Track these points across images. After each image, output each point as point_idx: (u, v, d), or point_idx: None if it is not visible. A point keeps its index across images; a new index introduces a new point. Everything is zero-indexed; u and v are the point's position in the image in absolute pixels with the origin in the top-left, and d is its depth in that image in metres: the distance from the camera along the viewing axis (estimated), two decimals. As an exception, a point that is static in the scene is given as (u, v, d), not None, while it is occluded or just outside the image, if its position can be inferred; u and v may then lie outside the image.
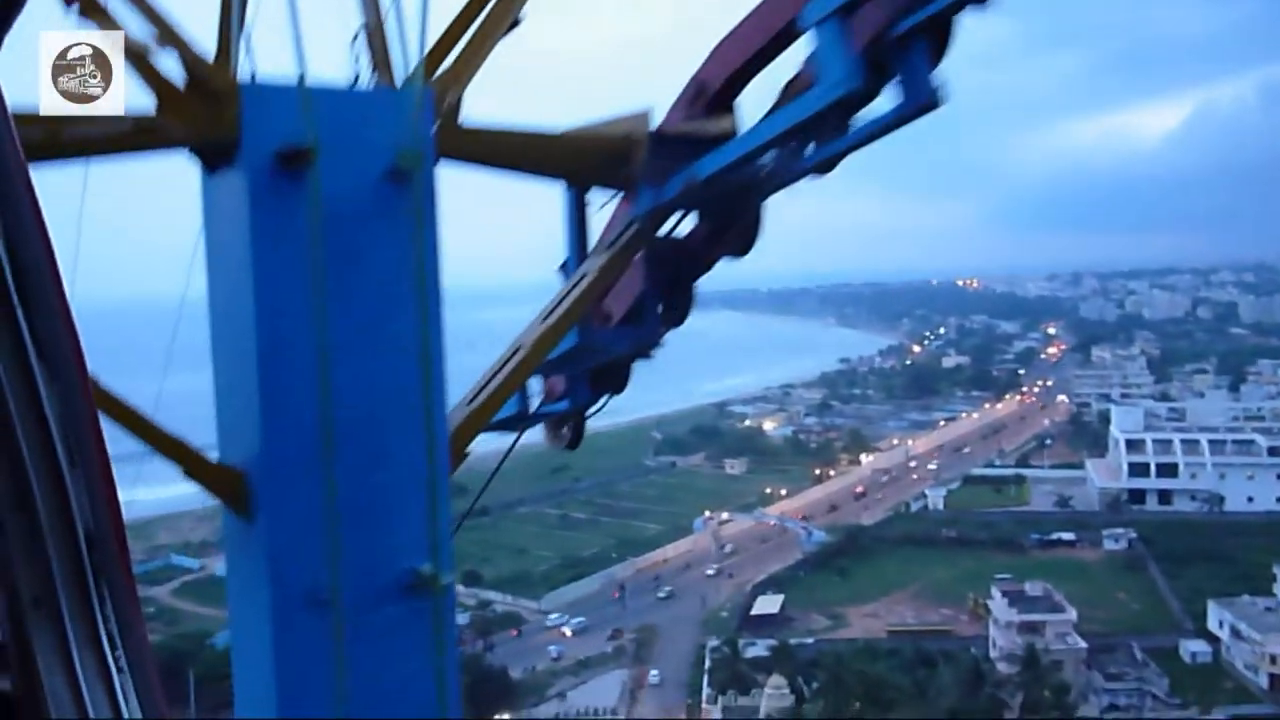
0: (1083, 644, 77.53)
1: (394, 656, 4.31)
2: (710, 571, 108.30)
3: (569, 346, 6.08)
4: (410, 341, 4.32)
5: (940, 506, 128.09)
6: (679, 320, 6.62)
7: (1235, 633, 79.98)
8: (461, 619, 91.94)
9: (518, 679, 79.56)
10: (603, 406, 7.34)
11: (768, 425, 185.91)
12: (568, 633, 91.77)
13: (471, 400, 5.64)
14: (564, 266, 6.56)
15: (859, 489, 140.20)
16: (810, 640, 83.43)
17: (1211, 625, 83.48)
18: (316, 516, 4.09)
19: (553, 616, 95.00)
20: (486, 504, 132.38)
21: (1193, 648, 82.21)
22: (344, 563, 4.06)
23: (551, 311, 5.78)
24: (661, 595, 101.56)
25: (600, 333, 6.53)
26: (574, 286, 5.80)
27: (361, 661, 4.13)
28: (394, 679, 4.31)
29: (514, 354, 5.67)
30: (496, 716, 72.69)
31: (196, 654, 76.81)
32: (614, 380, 7.19)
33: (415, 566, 4.31)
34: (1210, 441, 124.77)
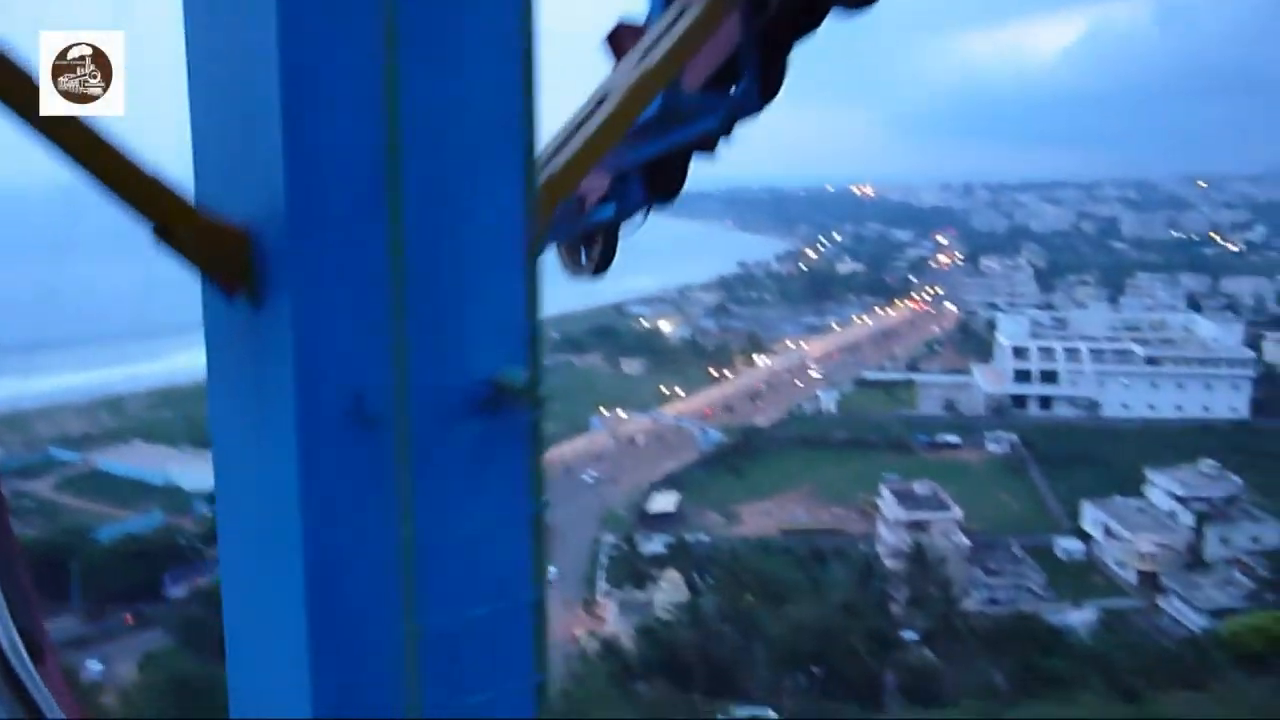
0: (966, 541, 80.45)
1: (470, 495, 2.94)
2: (607, 470, 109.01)
3: (647, 115, 4.30)
4: (504, 42, 2.83)
5: (833, 409, 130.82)
6: (772, 93, 4.83)
7: (1108, 531, 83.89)
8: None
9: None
10: (644, 220, 5.44)
11: (665, 326, 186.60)
12: None
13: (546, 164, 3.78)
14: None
15: (754, 389, 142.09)
16: (706, 537, 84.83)
17: (1086, 524, 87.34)
18: (364, 296, 2.73)
19: None
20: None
21: (1067, 545, 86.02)
22: (406, 364, 2.76)
23: (648, 52, 4.01)
24: (559, 491, 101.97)
25: (689, 96, 4.65)
26: (674, 22, 4.05)
27: (429, 498, 2.82)
28: (471, 526, 2.92)
29: (597, 105, 3.99)
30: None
31: (79, 549, 74.83)
32: (670, 179, 5.25)
33: (499, 372, 2.92)
34: (1090, 350, 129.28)
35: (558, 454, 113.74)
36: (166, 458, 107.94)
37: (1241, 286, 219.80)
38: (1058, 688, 55.04)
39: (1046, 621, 67.59)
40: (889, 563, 76.20)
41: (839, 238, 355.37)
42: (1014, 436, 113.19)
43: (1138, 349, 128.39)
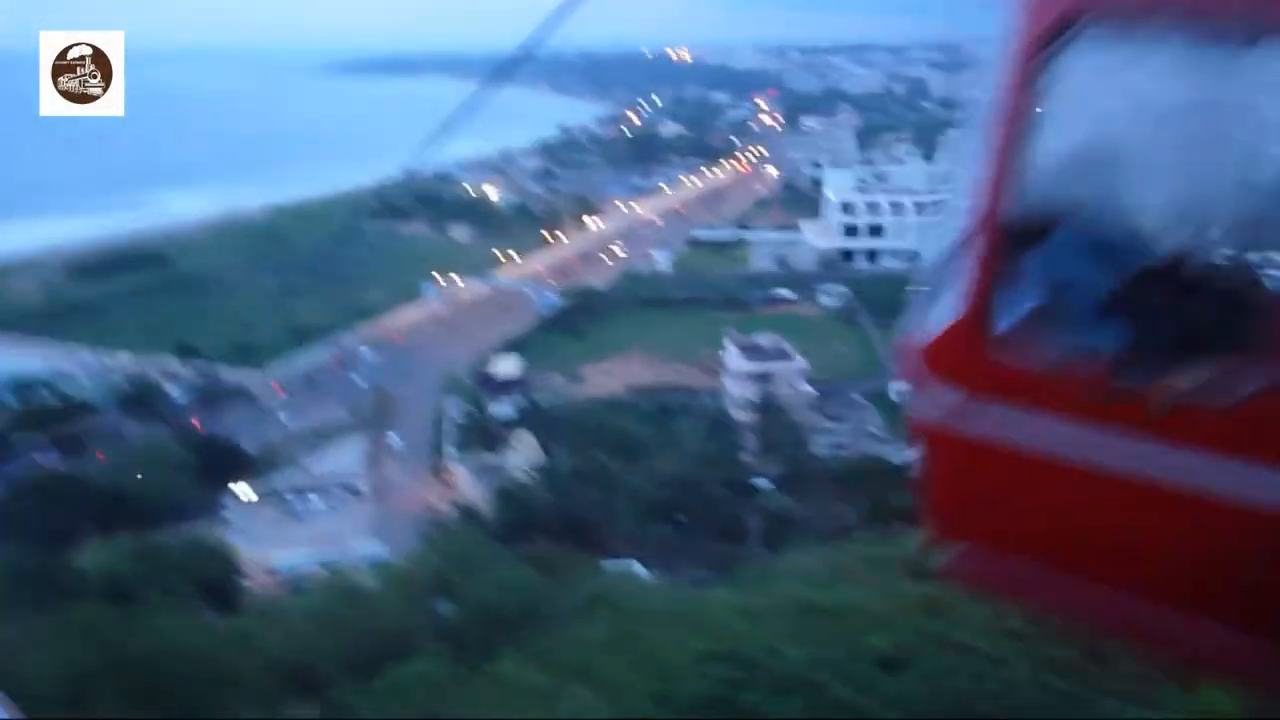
0: (810, 389, 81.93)
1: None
2: (444, 336, 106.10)
3: None
4: None
5: (667, 269, 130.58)
6: None
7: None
8: (181, 391, 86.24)
9: (251, 451, 75.64)
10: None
11: (490, 192, 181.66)
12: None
13: None
14: None
15: (587, 251, 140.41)
16: (554, 400, 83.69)
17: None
18: None
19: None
20: (197, 275, 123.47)
21: (901, 389, 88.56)
22: None
23: None
24: (396, 361, 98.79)
25: None
26: None
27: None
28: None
29: None
30: (233, 489, 69.15)
31: None
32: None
33: None
34: (914, 204, 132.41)
35: (391, 322, 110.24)
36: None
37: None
38: (909, 521, 56.76)
39: (891, 461, 69.62)
40: (737, 414, 76.90)
41: (659, 101, 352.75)
42: (845, 289, 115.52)
43: (957, 200, 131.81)
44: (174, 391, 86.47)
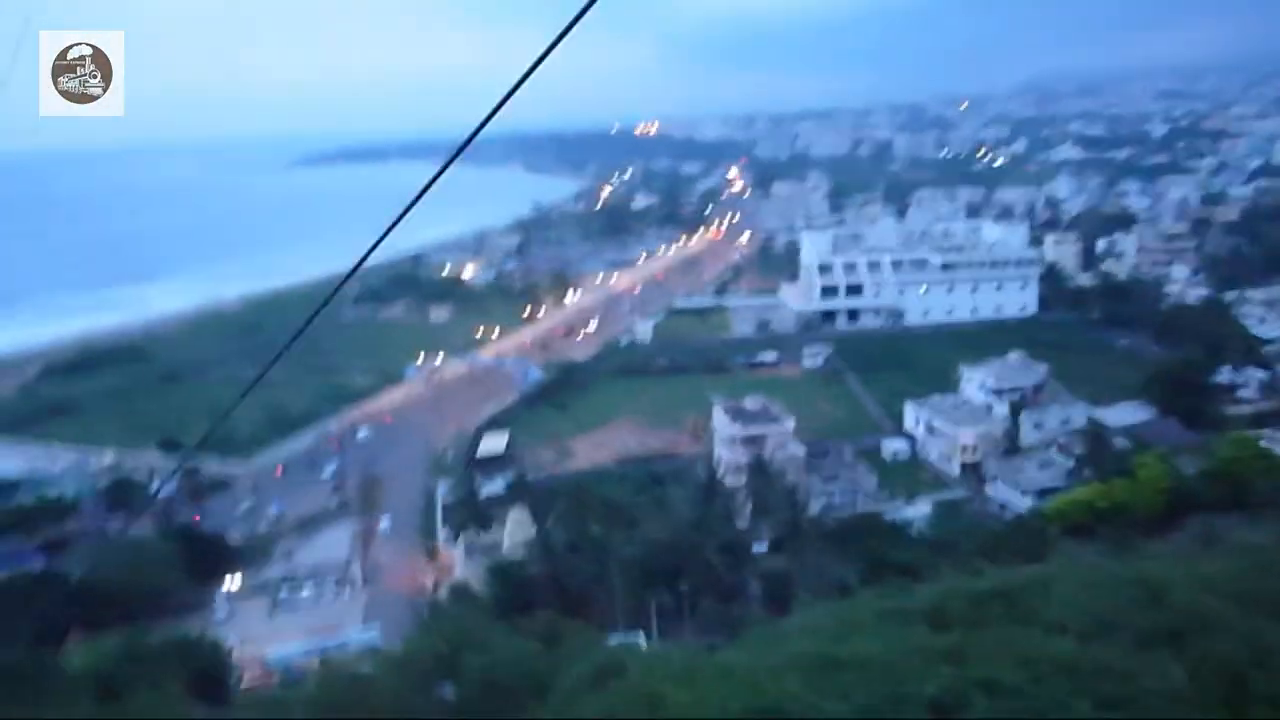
0: (801, 450, 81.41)
1: None
2: (429, 417, 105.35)
3: None
4: None
5: (648, 338, 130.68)
6: None
7: (929, 428, 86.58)
8: (167, 485, 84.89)
9: (238, 543, 74.36)
10: None
11: (468, 271, 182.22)
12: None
13: None
14: None
15: (567, 326, 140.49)
16: (543, 474, 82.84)
17: (908, 423, 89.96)
18: None
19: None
20: (175, 369, 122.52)
21: (893, 446, 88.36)
22: None
23: None
24: (382, 444, 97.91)
25: None
26: None
27: None
28: None
29: None
30: (222, 583, 67.78)
31: None
32: None
33: None
34: (890, 262, 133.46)
35: (374, 406, 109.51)
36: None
37: (1012, 195, 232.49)
38: (907, 577, 56.00)
39: (885, 518, 69.12)
40: (729, 479, 76.17)
41: (630, 175, 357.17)
42: (827, 349, 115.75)
43: (932, 258, 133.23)
44: (158, 486, 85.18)
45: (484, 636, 31.14)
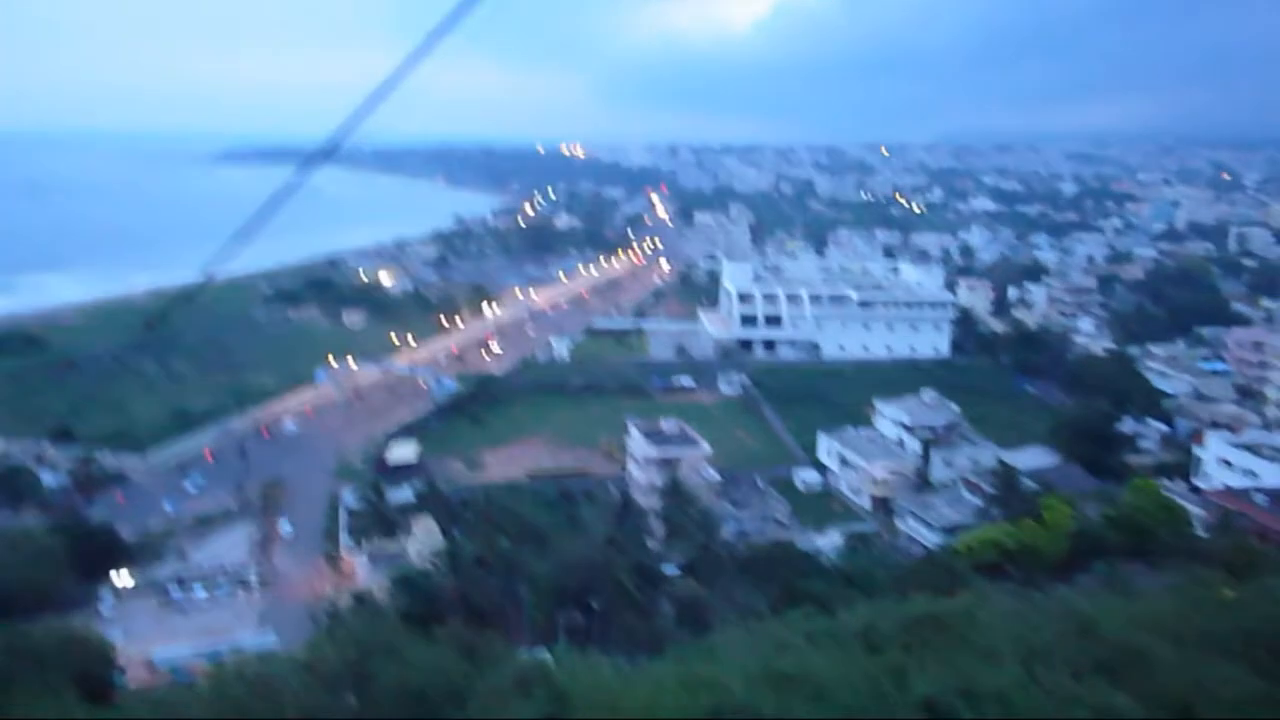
0: (716, 476, 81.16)
1: None
2: (337, 422, 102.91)
3: None
4: None
5: (566, 356, 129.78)
6: None
7: (843, 460, 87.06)
8: (55, 478, 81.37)
9: (130, 539, 71.22)
10: None
11: (385, 278, 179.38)
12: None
13: None
14: None
15: (485, 339, 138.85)
16: (453, 486, 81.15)
17: (821, 455, 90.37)
18: None
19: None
20: (73, 359, 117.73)
21: (805, 477, 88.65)
22: None
23: None
24: (287, 446, 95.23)
25: None
26: None
27: None
28: None
29: None
30: (112, 580, 64.75)
31: None
32: None
33: None
34: (810, 295, 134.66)
35: (281, 407, 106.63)
36: None
37: (928, 241, 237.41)
38: (818, 605, 55.82)
39: (798, 547, 68.99)
40: (642, 499, 75.54)
41: (554, 195, 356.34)
42: (744, 378, 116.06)
43: (852, 294, 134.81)
44: (47, 477, 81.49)
45: (394, 643, 29.81)
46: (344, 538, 72.19)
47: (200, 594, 65.54)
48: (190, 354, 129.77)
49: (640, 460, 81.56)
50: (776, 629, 27.46)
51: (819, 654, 21.03)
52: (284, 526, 76.19)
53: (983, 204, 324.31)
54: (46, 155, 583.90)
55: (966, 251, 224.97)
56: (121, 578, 65.43)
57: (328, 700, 25.41)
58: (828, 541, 73.75)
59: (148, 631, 58.38)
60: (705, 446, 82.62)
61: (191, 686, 33.61)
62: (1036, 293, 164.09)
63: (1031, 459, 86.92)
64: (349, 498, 77.14)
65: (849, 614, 28.33)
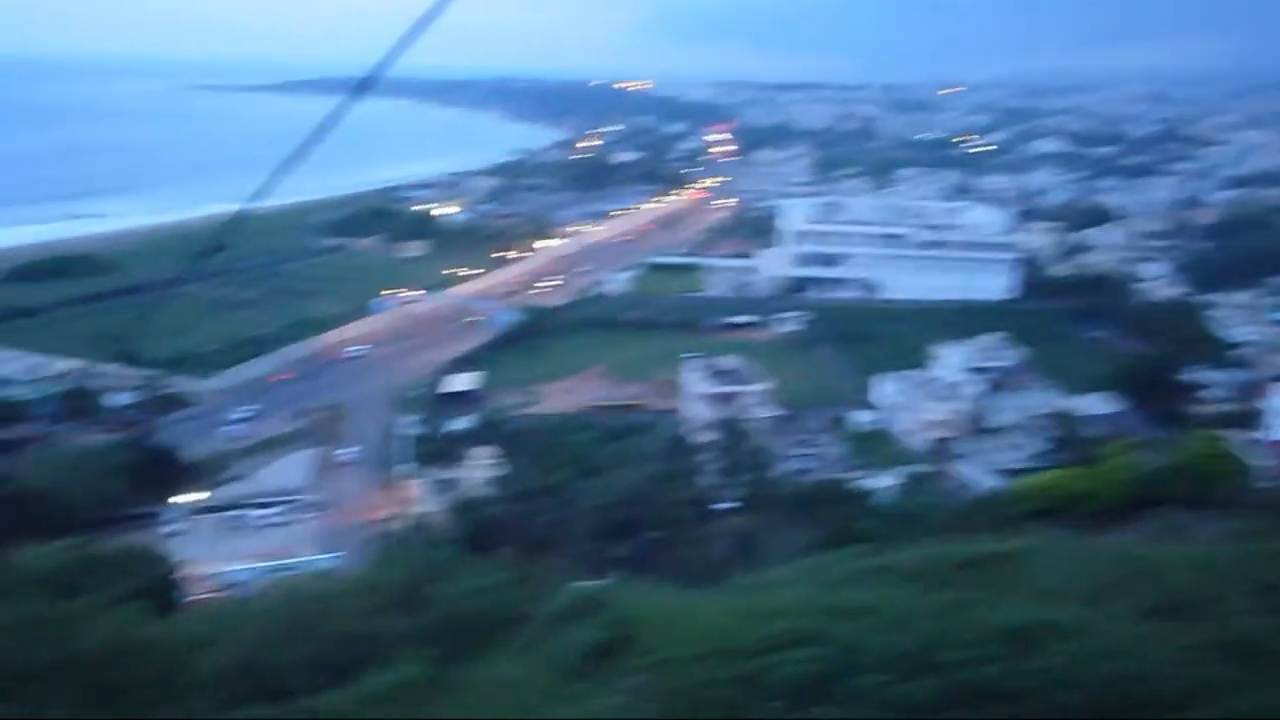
0: (772, 413, 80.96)
1: None
2: (397, 351, 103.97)
3: None
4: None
5: (623, 291, 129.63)
6: None
7: (900, 402, 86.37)
8: (123, 398, 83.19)
9: (194, 460, 72.82)
10: None
11: (444, 210, 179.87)
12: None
13: None
14: None
15: (542, 272, 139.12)
16: (510, 416, 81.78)
17: (878, 396, 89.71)
18: None
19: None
20: (135, 282, 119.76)
21: (860, 416, 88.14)
22: None
23: None
24: (347, 373, 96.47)
25: None
26: None
27: None
28: None
29: None
30: (175, 499, 66.32)
31: None
32: None
33: None
34: (869, 235, 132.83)
35: (340, 335, 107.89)
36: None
37: (994, 182, 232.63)
38: (872, 544, 55.69)
39: (852, 487, 68.71)
40: (697, 436, 75.60)
41: (612, 130, 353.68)
42: (801, 316, 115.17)
43: (912, 234, 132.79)
44: (116, 398, 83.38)
45: (452, 566, 30.14)
46: (402, 464, 73.18)
47: (261, 515, 66.92)
48: (251, 281, 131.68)
49: (696, 396, 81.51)
50: (833, 564, 27.33)
51: (875, 590, 20.85)
52: (345, 451, 77.41)
53: (1050, 145, 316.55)
54: (107, 81, 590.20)
55: (1032, 193, 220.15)
56: (185, 497, 66.99)
57: (384, 619, 25.83)
58: (882, 482, 73.29)
59: (210, 550, 59.69)
60: (761, 384, 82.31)
61: (252, 601, 34.43)
62: (1104, 236, 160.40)
63: (1093, 405, 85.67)
64: (407, 425, 78.07)
65: (906, 552, 28.14)
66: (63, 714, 17.33)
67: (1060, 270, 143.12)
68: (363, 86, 9.60)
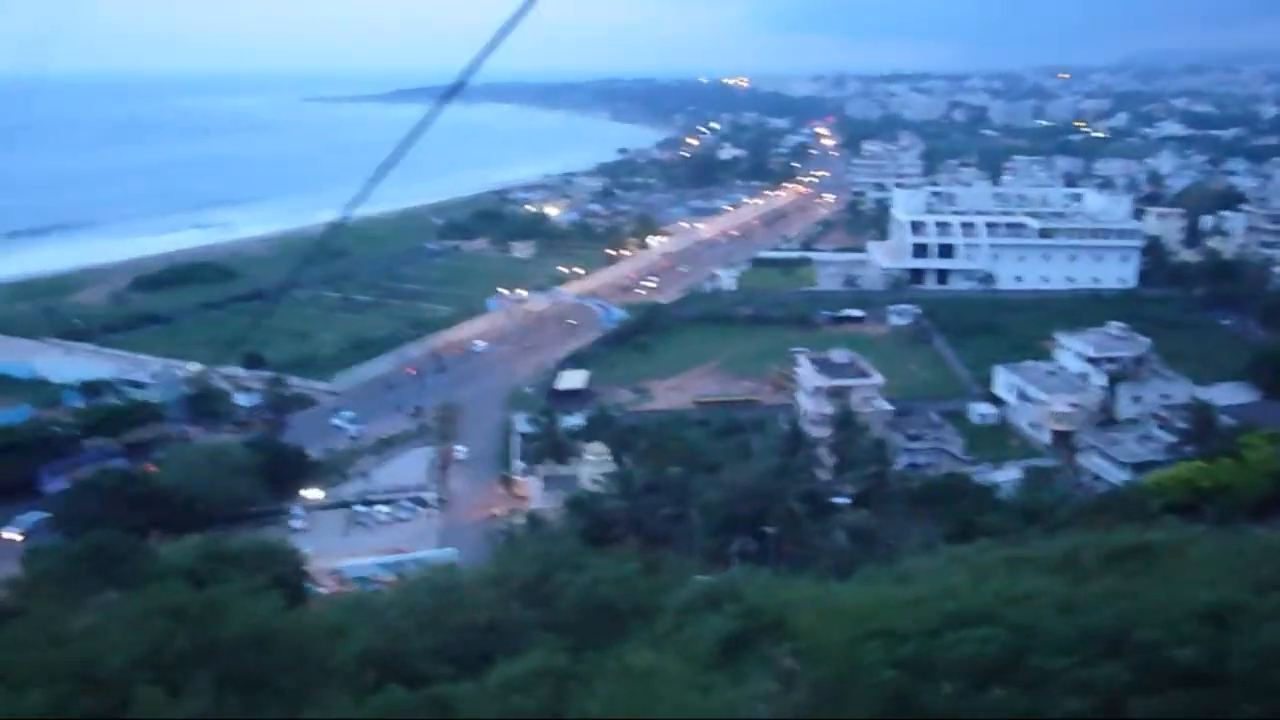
0: (888, 406, 79.39)
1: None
2: (510, 350, 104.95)
3: None
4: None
5: (732, 287, 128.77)
6: None
7: (1021, 394, 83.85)
8: (248, 400, 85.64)
9: (317, 459, 74.50)
10: None
11: (552, 210, 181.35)
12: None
13: None
14: None
15: (651, 270, 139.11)
16: (622, 413, 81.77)
17: (997, 388, 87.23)
18: None
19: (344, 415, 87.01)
20: (258, 288, 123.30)
21: (980, 410, 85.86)
22: None
23: None
24: (462, 373, 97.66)
25: None
26: None
27: None
28: None
29: None
30: (299, 496, 67.92)
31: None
32: None
33: None
34: (985, 224, 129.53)
35: (454, 335, 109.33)
36: (29, 351, 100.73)
37: (1112, 168, 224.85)
38: (998, 537, 54.04)
39: (974, 481, 66.90)
40: (811, 430, 74.51)
41: (717, 127, 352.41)
42: (915, 309, 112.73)
43: (1031, 222, 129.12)
44: (241, 399, 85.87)
45: (577, 559, 30.02)
46: (517, 461, 73.70)
47: (382, 512, 68.06)
48: (367, 284, 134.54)
49: (810, 390, 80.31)
50: (970, 555, 26.42)
51: (1022, 581, 19.95)
52: (460, 449, 78.29)
53: (1172, 128, 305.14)
54: (230, 97, 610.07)
55: (1155, 178, 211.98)
56: (310, 494, 68.54)
57: (514, 610, 25.77)
58: (1005, 476, 71.19)
59: (334, 545, 60.92)
60: (876, 377, 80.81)
61: (383, 593, 34.85)
62: (1233, 221, 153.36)
63: (1228, 395, 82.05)
64: (521, 422, 78.62)
65: (1043, 543, 27.06)
66: (205, 697, 17.58)
67: (1187, 256, 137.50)
68: (451, 93, 9.85)
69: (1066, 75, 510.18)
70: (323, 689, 19.43)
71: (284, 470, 69.70)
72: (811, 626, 15.57)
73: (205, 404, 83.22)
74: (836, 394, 78.04)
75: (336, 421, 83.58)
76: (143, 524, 52.91)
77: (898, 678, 12.62)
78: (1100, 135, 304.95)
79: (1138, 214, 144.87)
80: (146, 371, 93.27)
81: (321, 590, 47.22)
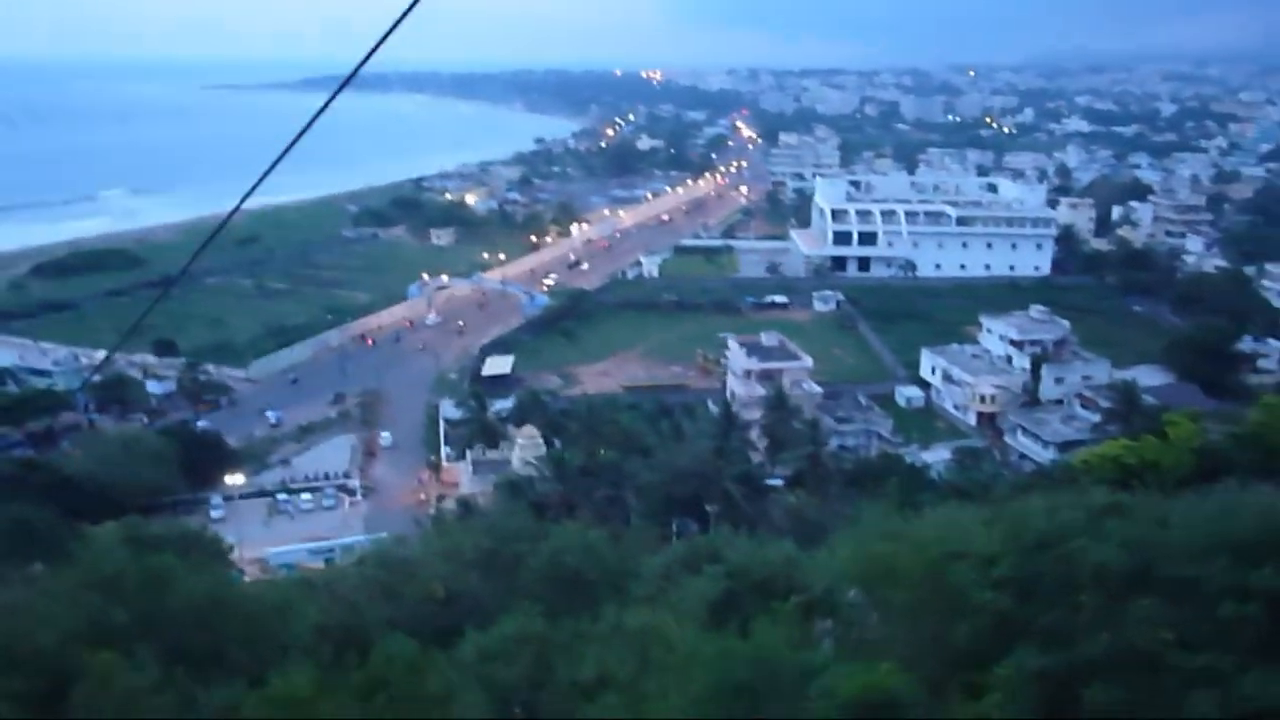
0: (817, 389, 79.37)
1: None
2: (431, 336, 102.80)
3: None
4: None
5: (655, 274, 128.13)
6: None
7: (947, 376, 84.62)
8: (160, 387, 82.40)
9: (235, 447, 71.84)
10: None
11: (471, 199, 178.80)
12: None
13: None
14: None
15: (573, 257, 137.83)
16: (550, 397, 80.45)
17: (924, 371, 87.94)
18: None
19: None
20: (167, 273, 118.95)
21: (907, 393, 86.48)
22: None
23: None
24: (384, 358, 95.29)
25: None
26: None
27: None
28: None
29: None
30: (218, 484, 65.35)
31: None
32: None
33: None
34: (905, 213, 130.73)
35: (374, 322, 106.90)
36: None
37: (1022, 160, 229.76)
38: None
39: (906, 461, 67.12)
40: (743, 413, 74.05)
41: (634, 118, 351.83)
42: (839, 296, 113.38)
43: (950, 211, 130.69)
44: (154, 386, 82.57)
45: (533, 531, 28.91)
46: (445, 447, 72.00)
47: (305, 500, 65.88)
48: (283, 271, 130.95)
49: (740, 373, 79.99)
50: (945, 517, 25.87)
51: (1014, 536, 19.37)
52: (385, 436, 76.34)
53: (1076, 125, 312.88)
54: (127, 84, 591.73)
55: (1063, 171, 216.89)
56: (229, 483, 66.00)
57: (474, 582, 24.60)
58: (935, 456, 71.59)
59: (257, 534, 58.68)
60: (806, 360, 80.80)
61: (326, 570, 33.30)
62: (1141, 211, 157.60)
63: (1145, 377, 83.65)
64: (448, 408, 76.88)
65: (1018, 504, 26.66)
66: (151, 671, 16.14)
67: (1099, 245, 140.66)
68: (346, 81, 9.42)
69: (973, 73, 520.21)
70: (280, 662, 18.07)
71: (201, 458, 67.01)
72: (882, 555, 14.78)
73: (114, 391, 79.75)
74: (767, 376, 77.80)
75: (264, 409, 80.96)
76: (53, 514, 50.20)
77: (996, 598, 11.83)
78: (1009, 131, 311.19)
79: (1050, 204, 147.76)
80: (49, 359, 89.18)
81: (246, 579, 45.25)
